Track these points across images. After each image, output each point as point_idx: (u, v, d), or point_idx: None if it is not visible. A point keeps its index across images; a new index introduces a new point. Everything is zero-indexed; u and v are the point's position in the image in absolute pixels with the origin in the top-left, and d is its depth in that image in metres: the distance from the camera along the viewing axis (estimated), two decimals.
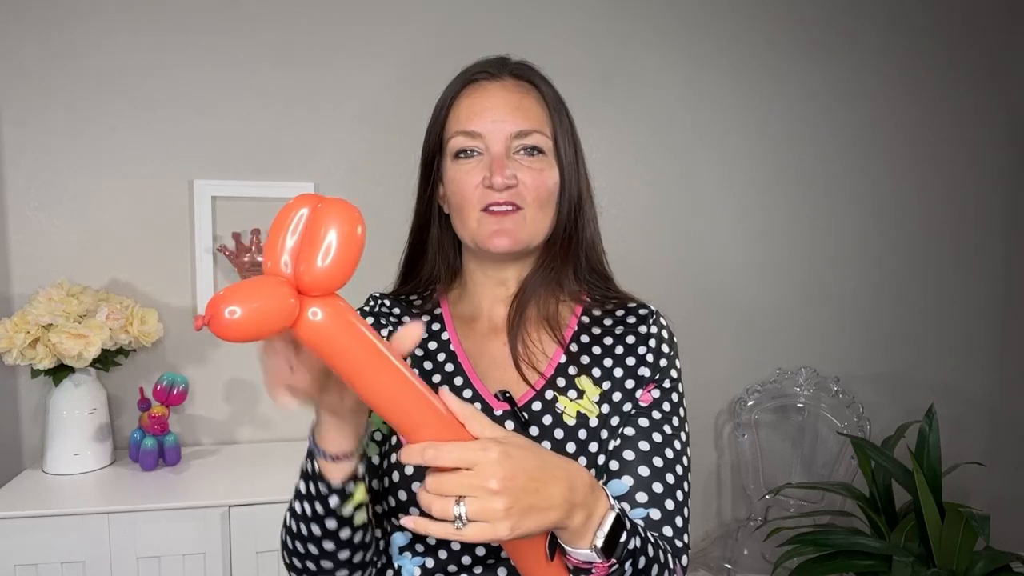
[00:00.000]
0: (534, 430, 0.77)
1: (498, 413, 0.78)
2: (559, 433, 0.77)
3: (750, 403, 2.14)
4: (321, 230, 0.50)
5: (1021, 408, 2.34)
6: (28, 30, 1.72)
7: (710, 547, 2.14)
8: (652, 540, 0.69)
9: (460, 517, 0.53)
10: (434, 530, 0.54)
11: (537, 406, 0.78)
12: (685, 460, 0.79)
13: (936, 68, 2.23)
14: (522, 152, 0.80)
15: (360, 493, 0.68)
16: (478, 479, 0.54)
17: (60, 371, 1.61)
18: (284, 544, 0.75)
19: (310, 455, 0.67)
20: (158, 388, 1.67)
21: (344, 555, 0.71)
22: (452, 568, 0.76)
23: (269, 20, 1.83)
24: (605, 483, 0.76)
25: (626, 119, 2.06)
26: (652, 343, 0.82)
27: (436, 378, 0.82)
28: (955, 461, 1.94)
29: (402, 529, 0.78)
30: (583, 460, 0.76)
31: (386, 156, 1.89)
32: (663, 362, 0.82)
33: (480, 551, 0.76)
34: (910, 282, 2.27)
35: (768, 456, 2.15)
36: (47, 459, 1.63)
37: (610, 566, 0.62)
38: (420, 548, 0.77)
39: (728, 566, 2.05)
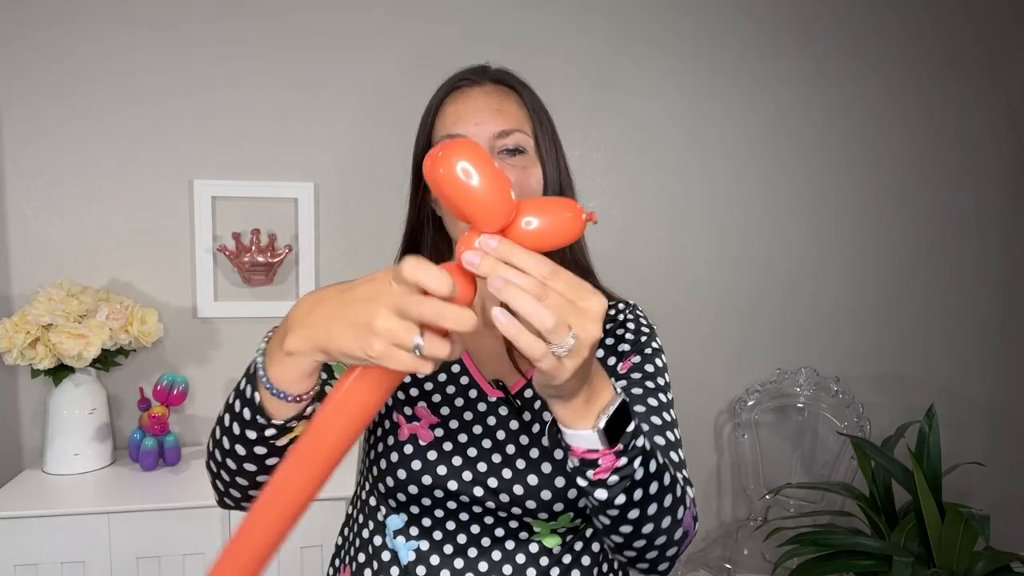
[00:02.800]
0: (527, 415, 0.81)
1: (492, 399, 0.82)
2: (547, 416, 0.81)
3: (750, 403, 2.14)
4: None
5: (1021, 408, 2.34)
6: (28, 30, 1.72)
7: (710, 547, 2.14)
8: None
9: (567, 349, 0.50)
10: (534, 349, 0.50)
11: (529, 393, 0.82)
12: (672, 412, 0.81)
13: (936, 68, 2.22)
14: (505, 152, 0.82)
15: (301, 428, 0.64)
16: (593, 314, 0.52)
17: (60, 371, 1.62)
18: (208, 447, 0.73)
19: (252, 382, 0.63)
20: (158, 388, 1.67)
21: (262, 478, 0.69)
22: (448, 549, 0.78)
23: (269, 20, 1.83)
24: None
25: (626, 119, 2.06)
26: (631, 325, 0.87)
27: (441, 376, 0.85)
28: (955, 461, 1.94)
29: (398, 512, 0.80)
30: None
31: (387, 156, 1.89)
32: (643, 338, 0.86)
33: (475, 529, 0.79)
34: (910, 282, 2.27)
35: (768, 456, 2.16)
36: (47, 459, 1.64)
37: (616, 453, 0.60)
38: (415, 531, 0.79)
39: (728, 566, 2.05)
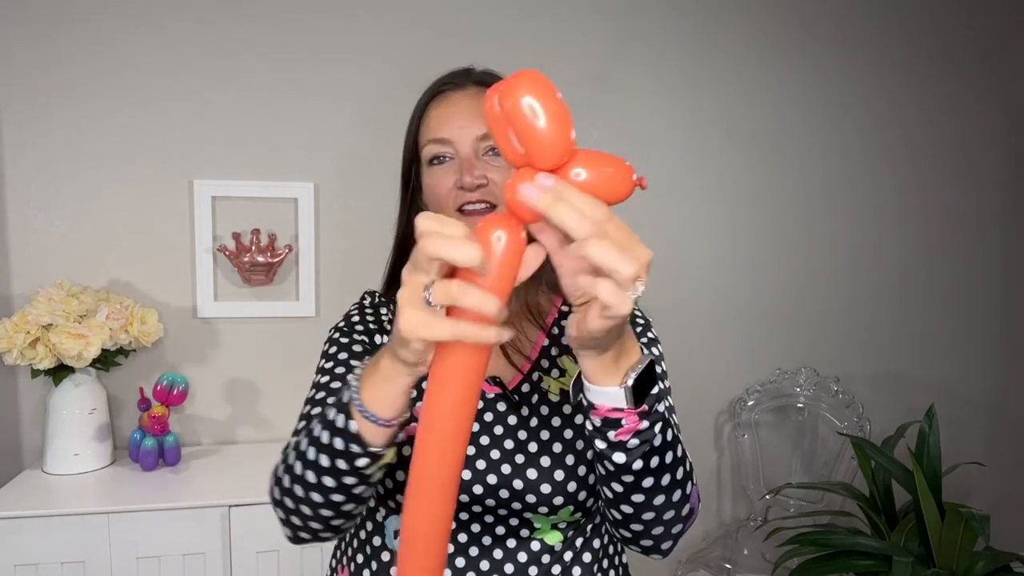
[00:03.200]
0: (524, 410, 0.81)
1: (490, 396, 0.83)
2: (545, 409, 0.81)
3: (750, 403, 2.14)
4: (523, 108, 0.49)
5: (1021, 408, 2.34)
6: (28, 30, 1.72)
7: (710, 547, 2.14)
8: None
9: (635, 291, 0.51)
10: (615, 297, 0.50)
11: (525, 388, 0.83)
12: (670, 399, 0.83)
13: (936, 66, 2.22)
14: (490, 153, 0.83)
15: (391, 455, 0.65)
16: (642, 262, 0.52)
17: (60, 371, 1.62)
18: (278, 483, 0.72)
19: (343, 411, 0.63)
20: (158, 388, 1.67)
21: (348, 507, 0.70)
22: (449, 549, 0.78)
23: (268, 20, 1.83)
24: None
25: (626, 119, 2.06)
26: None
27: None
28: (955, 461, 1.94)
29: (397, 513, 0.80)
30: (569, 432, 0.80)
31: (387, 156, 1.88)
32: (637, 328, 0.87)
33: (475, 528, 0.79)
34: (910, 282, 2.27)
35: (768, 456, 2.15)
36: (47, 459, 1.64)
37: (640, 415, 0.60)
38: None
39: (728, 566, 2.05)
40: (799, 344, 2.21)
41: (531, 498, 0.77)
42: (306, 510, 0.70)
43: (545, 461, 0.78)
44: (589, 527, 0.83)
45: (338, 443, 0.63)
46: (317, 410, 0.78)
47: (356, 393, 0.61)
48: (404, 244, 0.92)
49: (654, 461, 0.64)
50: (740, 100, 2.12)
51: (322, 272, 1.90)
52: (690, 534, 2.19)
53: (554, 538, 0.80)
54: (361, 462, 0.63)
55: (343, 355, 0.84)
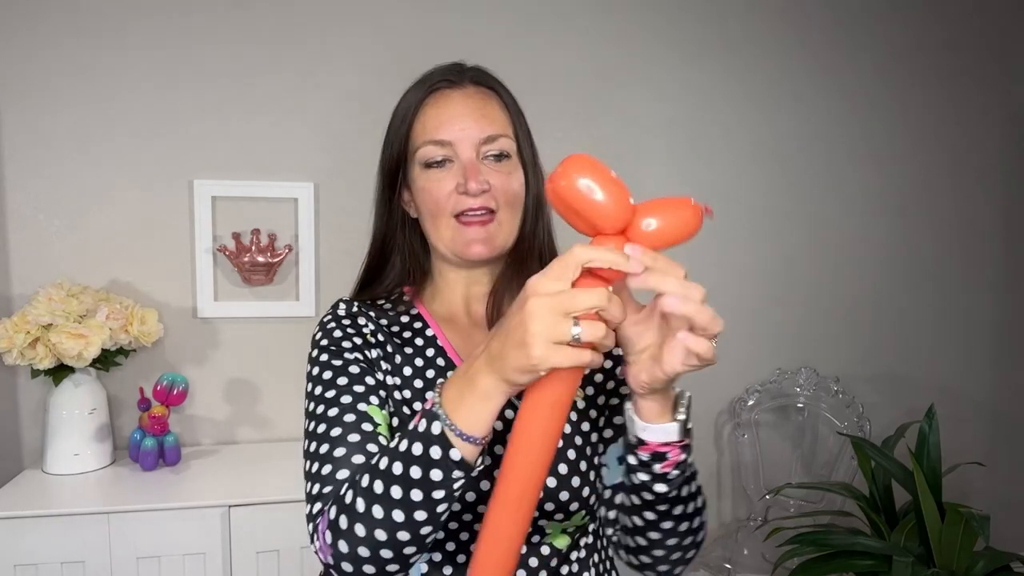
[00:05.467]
0: None
1: None
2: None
3: (750, 403, 2.14)
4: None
5: (1021, 408, 2.34)
6: (28, 30, 1.72)
7: (710, 547, 2.14)
8: None
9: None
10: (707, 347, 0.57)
11: None
12: None
13: (939, 67, 2.22)
14: (491, 157, 0.82)
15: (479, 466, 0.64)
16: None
17: (60, 371, 1.62)
18: (347, 544, 0.64)
19: (439, 443, 0.60)
20: (158, 388, 1.67)
21: (430, 537, 0.65)
22: (461, 559, 0.77)
23: (268, 20, 1.83)
24: (603, 453, 0.81)
25: (625, 119, 2.06)
26: None
27: (430, 373, 0.82)
28: (955, 461, 1.94)
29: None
30: (578, 440, 0.79)
31: None
32: None
33: None
34: (910, 282, 2.27)
35: (768, 456, 2.15)
36: (47, 459, 1.64)
37: (683, 447, 0.66)
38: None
39: (728, 566, 2.05)
40: (799, 344, 2.21)
41: (550, 506, 0.75)
42: (386, 552, 0.64)
43: (563, 468, 0.76)
44: (591, 527, 0.83)
45: (436, 474, 0.60)
46: (341, 451, 0.70)
47: (448, 418, 0.60)
48: (384, 245, 0.89)
49: (685, 490, 0.69)
50: (740, 101, 2.12)
51: (322, 272, 1.90)
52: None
53: (562, 542, 0.79)
54: (458, 484, 0.61)
55: (342, 380, 0.77)
